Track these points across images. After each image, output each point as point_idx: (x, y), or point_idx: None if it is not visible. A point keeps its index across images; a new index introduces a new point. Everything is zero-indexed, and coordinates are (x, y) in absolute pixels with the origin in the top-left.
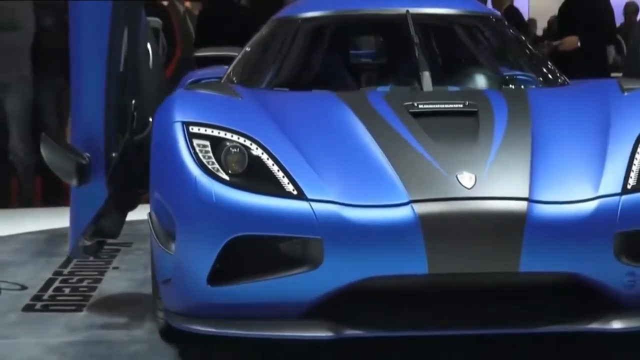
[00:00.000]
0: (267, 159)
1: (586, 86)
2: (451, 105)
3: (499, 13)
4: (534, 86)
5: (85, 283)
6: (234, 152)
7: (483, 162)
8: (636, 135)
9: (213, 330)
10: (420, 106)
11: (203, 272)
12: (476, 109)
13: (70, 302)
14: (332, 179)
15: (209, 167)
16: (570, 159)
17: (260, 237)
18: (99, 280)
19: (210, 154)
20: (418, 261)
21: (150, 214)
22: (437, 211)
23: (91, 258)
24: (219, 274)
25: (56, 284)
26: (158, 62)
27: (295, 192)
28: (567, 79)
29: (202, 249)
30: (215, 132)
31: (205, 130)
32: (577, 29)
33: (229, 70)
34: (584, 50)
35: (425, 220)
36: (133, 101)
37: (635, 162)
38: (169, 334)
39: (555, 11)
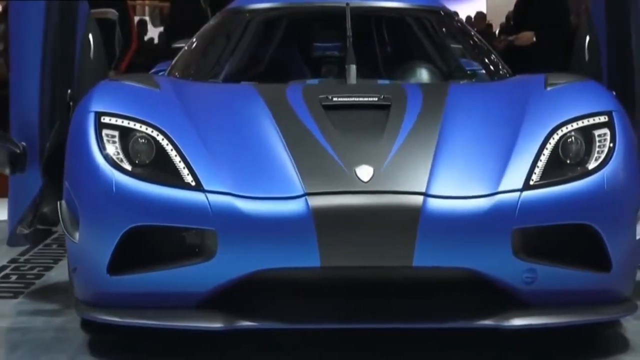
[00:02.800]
0: (171, 150)
1: (514, 82)
2: (365, 99)
3: (448, 8)
4: (472, 80)
5: (35, 271)
6: (142, 142)
7: (384, 156)
8: (547, 131)
9: (113, 319)
10: (335, 99)
11: (103, 261)
12: (389, 103)
13: (11, 289)
14: (231, 171)
15: (113, 157)
16: (475, 154)
17: (157, 227)
18: (50, 269)
19: (117, 144)
20: (310, 254)
21: (60, 203)
22: (331, 204)
23: (50, 246)
24: (118, 264)
25: (6, 271)
26: (99, 53)
27: (193, 183)
28: (509, 72)
29: (102, 238)
30: (125, 123)
31: (116, 121)
32: (532, 25)
33: (173, 62)
34: (540, 47)
35: (318, 214)
36: (69, 91)
37: (543, 157)
38: (87, 322)
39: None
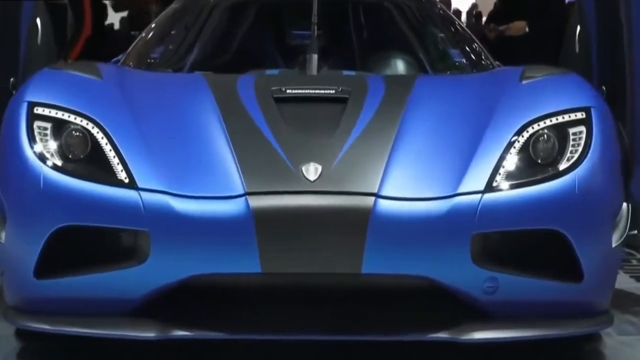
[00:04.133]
0: (106, 144)
1: (490, 74)
2: (321, 91)
3: None
4: (452, 72)
5: None
6: (76, 136)
7: (334, 154)
8: (516, 128)
9: (43, 327)
10: (288, 91)
11: (30, 263)
12: (347, 96)
13: None
14: (168, 168)
15: (43, 151)
16: (435, 153)
17: (87, 227)
18: None
19: (49, 138)
20: (250, 259)
21: None
22: (273, 205)
23: None
24: (46, 267)
25: None
26: (48, 38)
27: (126, 181)
28: (492, 63)
29: (28, 239)
30: (59, 114)
31: (50, 112)
32: (524, 14)
33: (129, 50)
34: (533, 37)
35: (259, 215)
36: (12, 79)
37: (509, 157)
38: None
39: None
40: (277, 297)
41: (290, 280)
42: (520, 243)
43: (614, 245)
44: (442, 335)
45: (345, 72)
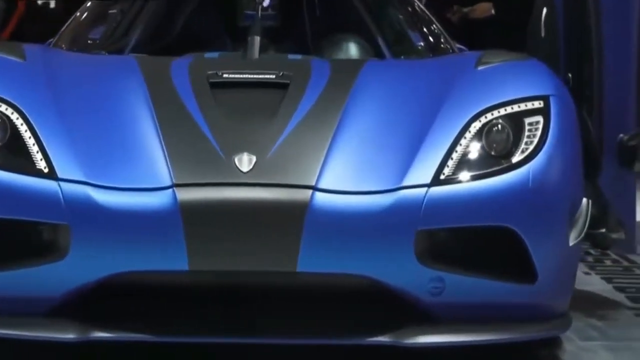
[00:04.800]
0: (26, 130)
1: (446, 59)
2: (260, 76)
3: None
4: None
5: None
6: None
7: (271, 143)
8: (468, 117)
9: None
10: (225, 76)
11: None
12: (288, 81)
13: None
14: (91, 157)
15: None
16: (380, 143)
17: (2, 220)
18: None
19: None
20: (177, 256)
21: None
22: (202, 198)
23: None
24: None
25: None
26: None
27: (46, 170)
28: (453, 47)
29: None
30: None
31: None
32: None
33: (61, 30)
34: (499, 20)
35: (187, 208)
36: None
37: (459, 148)
38: None
39: None
40: (206, 296)
41: (220, 278)
42: (469, 241)
43: (571, 244)
44: (384, 339)
45: (292, 56)
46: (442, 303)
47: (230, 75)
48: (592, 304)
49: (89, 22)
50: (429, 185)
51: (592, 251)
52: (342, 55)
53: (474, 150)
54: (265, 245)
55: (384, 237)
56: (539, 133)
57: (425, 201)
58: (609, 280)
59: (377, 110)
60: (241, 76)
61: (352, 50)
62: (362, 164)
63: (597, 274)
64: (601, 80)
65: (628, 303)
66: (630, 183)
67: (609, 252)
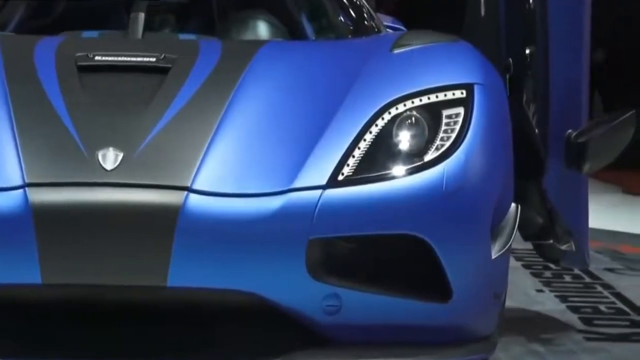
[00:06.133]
0: None
1: (361, 42)
2: (138, 59)
3: None
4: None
5: None
6: None
7: (141, 137)
8: (375, 109)
9: None
10: (97, 58)
11: None
12: (169, 66)
13: None
14: None
15: None
16: (271, 138)
17: None
18: None
19: None
20: (28, 267)
21: None
22: (58, 200)
23: None
24: None
25: None
26: None
27: None
28: (379, 27)
29: None
30: None
31: None
32: None
33: None
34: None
35: (40, 212)
36: None
37: (363, 144)
38: None
39: None
40: (61, 314)
41: (78, 294)
42: (371, 252)
43: (494, 256)
44: None
45: (183, 36)
46: (339, 324)
47: (103, 58)
48: (536, 327)
49: None
50: (324, 187)
51: (551, 265)
52: (250, 36)
53: (382, 146)
54: (131, 256)
55: (270, 247)
56: (457, 127)
57: (319, 205)
58: (563, 299)
59: (270, 100)
60: (116, 59)
61: (262, 30)
62: (247, 162)
63: (551, 291)
64: (546, 67)
65: (579, 325)
66: (581, 186)
67: (573, 267)
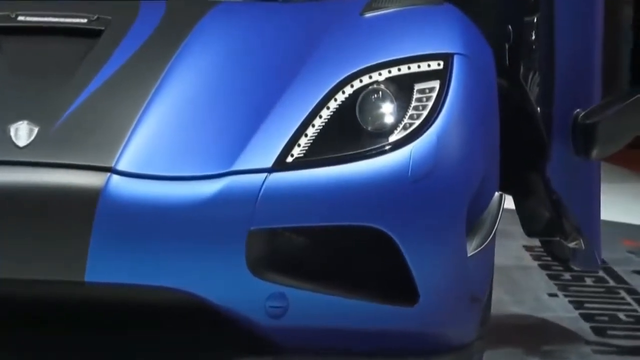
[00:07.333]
0: None
1: (330, 4)
2: (68, 20)
3: None
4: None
5: None
6: None
7: (61, 109)
8: (336, 80)
9: None
10: (20, 18)
11: None
12: (103, 28)
13: None
14: None
15: None
16: (212, 114)
17: None
18: None
19: None
20: None
21: None
22: None
23: None
24: None
25: None
26: None
27: None
28: None
29: None
30: None
31: None
32: None
33: None
34: None
35: None
36: None
37: (318, 121)
38: None
39: None
40: None
41: None
42: (323, 246)
43: (471, 253)
44: None
45: None
46: (286, 328)
47: (28, 19)
48: (540, 336)
49: None
50: (269, 170)
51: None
52: None
53: (340, 124)
54: (42, 245)
55: (204, 238)
56: (430, 104)
57: (262, 191)
58: (578, 305)
59: (214, 71)
60: (41, 19)
61: None
62: (182, 141)
63: (566, 295)
64: (551, 35)
65: (590, 336)
66: (590, 174)
67: (583, 269)
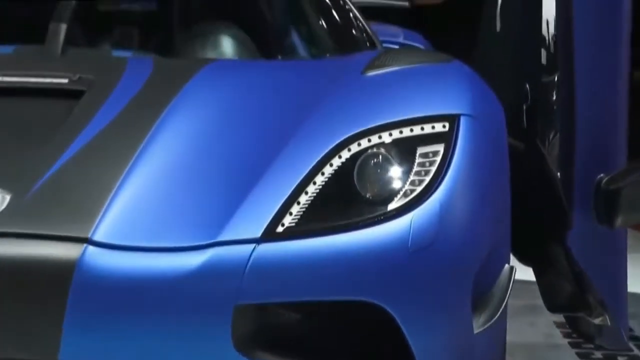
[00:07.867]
0: None
1: (332, 62)
2: (48, 80)
3: None
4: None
5: None
6: None
7: (36, 176)
8: (332, 144)
9: None
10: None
11: None
12: (84, 89)
13: None
14: None
15: None
16: (197, 181)
17: None
18: None
19: None
20: None
21: None
22: None
23: None
24: None
25: None
26: None
27: None
28: (374, 40)
29: None
30: None
31: None
32: None
33: None
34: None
35: None
36: None
37: (312, 188)
38: None
39: None
40: None
41: None
42: (317, 323)
43: (477, 330)
44: None
45: (117, 53)
46: None
47: (5, 79)
48: None
49: None
50: (258, 241)
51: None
52: (211, 54)
53: (337, 190)
54: (13, 322)
55: (187, 314)
56: (433, 169)
57: (250, 263)
58: None
59: (201, 135)
60: (21, 79)
61: (226, 46)
62: (165, 209)
63: None
64: (572, 97)
65: None
66: (616, 244)
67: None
